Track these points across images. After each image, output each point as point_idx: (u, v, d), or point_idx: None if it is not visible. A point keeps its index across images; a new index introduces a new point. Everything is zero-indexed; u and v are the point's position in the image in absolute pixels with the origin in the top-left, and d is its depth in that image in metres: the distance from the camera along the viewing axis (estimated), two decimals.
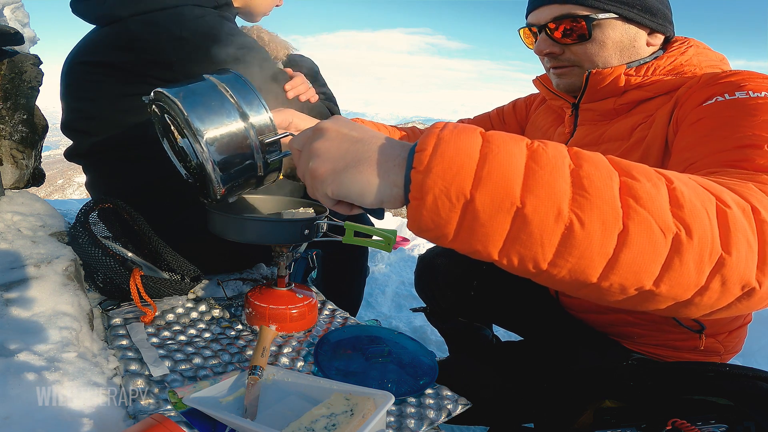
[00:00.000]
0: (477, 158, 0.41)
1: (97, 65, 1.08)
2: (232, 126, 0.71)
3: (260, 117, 0.73)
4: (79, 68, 1.11)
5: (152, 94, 0.73)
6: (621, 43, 0.84)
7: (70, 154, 1.19)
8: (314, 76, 1.36)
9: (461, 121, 1.32)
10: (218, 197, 0.75)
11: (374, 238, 0.65)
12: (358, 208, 0.52)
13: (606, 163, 0.42)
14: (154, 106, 0.76)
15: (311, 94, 1.17)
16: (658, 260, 0.39)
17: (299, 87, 1.14)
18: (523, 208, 0.39)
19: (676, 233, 0.39)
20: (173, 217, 1.13)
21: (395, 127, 1.20)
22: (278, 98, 1.10)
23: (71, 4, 1.14)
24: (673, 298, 0.41)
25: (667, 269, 0.39)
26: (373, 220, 1.14)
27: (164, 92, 0.71)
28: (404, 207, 0.46)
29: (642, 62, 0.85)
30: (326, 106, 1.25)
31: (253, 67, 1.05)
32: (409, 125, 1.27)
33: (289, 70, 1.18)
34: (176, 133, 0.74)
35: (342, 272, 1.44)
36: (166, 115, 0.74)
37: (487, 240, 0.41)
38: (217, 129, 0.70)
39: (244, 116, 0.72)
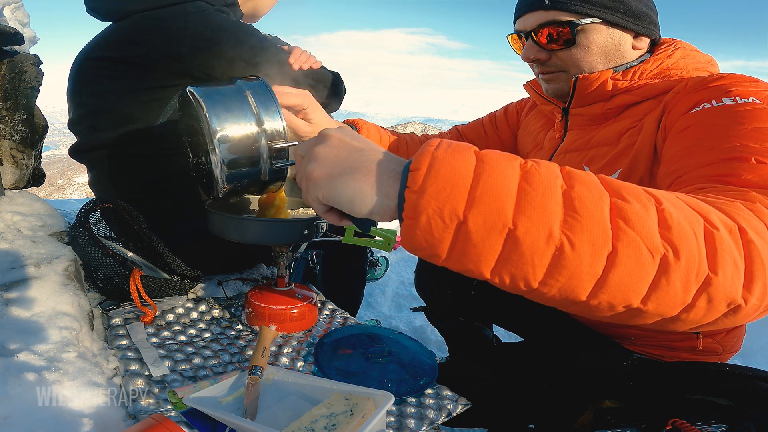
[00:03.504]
0: (471, 178, 0.41)
1: (107, 60, 1.09)
2: (246, 129, 0.75)
3: (274, 124, 0.77)
4: (89, 64, 1.12)
5: (185, 89, 0.78)
6: (606, 48, 0.84)
7: (75, 151, 1.19)
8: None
9: (455, 127, 1.33)
10: (220, 195, 0.78)
11: (374, 238, 0.65)
12: (347, 219, 0.52)
13: (597, 183, 0.42)
14: (181, 101, 0.81)
15: (312, 62, 1.21)
16: (645, 280, 0.40)
17: (300, 57, 1.18)
18: (515, 230, 0.40)
19: (663, 254, 0.39)
20: (175, 217, 1.13)
21: (394, 131, 1.21)
22: (285, 78, 1.13)
23: (85, 2, 1.16)
24: (660, 314, 0.42)
25: (654, 288, 0.40)
26: None
27: (192, 90, 0.75)
28: (393, 220, 0.46)
29: (628, 66, 0.86)
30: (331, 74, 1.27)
31: (260, 56, 1.10)
32: (408, 125, 1.26)
33: (285, 46, 1.22)
34: (195, 128, 0.78)
35: (342, 272, 1.45)
36: (189, 110, 0.78)
37: (479, 260, 0.42)
38: (232, 130, 0.74)
39: (259, 122, 0.76)
